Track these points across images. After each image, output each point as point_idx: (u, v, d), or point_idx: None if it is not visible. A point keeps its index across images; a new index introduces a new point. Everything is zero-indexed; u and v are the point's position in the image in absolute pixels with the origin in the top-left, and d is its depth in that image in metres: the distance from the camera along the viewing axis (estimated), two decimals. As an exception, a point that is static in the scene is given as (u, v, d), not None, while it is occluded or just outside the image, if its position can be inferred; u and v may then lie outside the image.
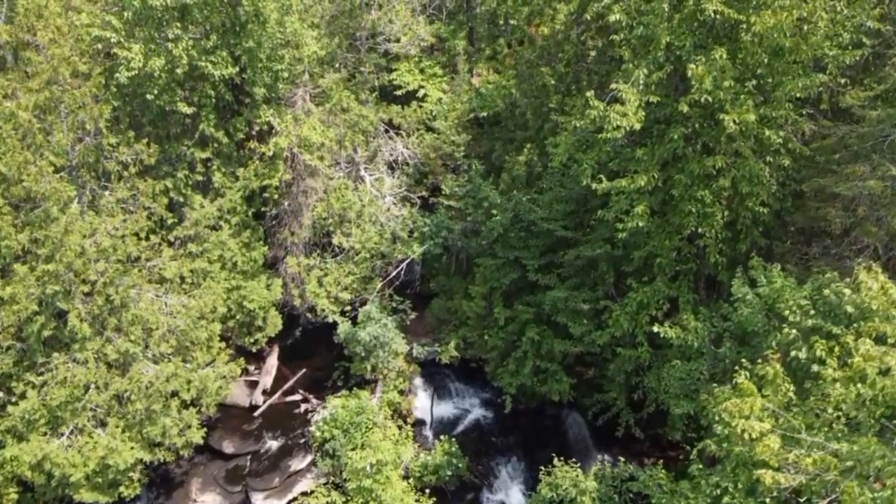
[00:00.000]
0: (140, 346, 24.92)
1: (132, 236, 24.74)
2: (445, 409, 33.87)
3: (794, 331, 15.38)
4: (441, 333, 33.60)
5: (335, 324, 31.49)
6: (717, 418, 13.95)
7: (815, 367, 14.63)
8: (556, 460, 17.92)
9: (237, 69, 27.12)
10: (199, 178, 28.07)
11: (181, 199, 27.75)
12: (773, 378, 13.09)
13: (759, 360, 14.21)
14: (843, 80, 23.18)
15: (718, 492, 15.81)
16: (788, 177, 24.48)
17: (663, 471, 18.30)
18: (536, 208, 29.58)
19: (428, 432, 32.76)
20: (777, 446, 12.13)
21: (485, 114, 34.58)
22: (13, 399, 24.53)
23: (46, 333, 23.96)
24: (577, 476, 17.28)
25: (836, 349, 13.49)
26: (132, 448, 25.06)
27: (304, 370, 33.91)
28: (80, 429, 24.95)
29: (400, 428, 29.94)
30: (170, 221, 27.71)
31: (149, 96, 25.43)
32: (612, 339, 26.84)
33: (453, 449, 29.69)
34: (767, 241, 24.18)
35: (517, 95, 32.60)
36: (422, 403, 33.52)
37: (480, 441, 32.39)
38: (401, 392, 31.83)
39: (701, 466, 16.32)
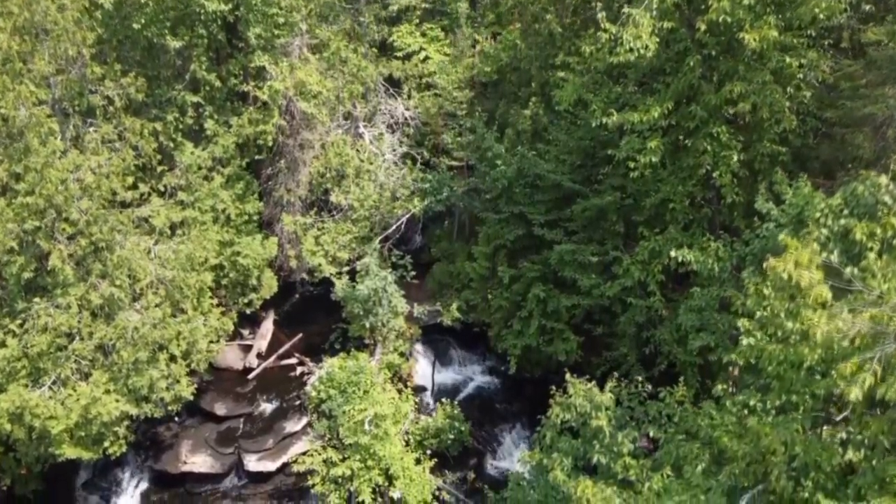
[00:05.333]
0: (126, 292, 23.65)
1: (118, 175, 23.49)
2: (447, 376, 32.63)
3: (824, 230, 14.14)
4: (443, 297, 32.31)
5: (333, 289, 30.26)
6: (746, 310, 12.70)
7: (848, 270, 13.35)
8: (568, 376, 16.61)
9: (230, 6, 25.95)
10: (190, 121, 26.86)
11: (171, 145, 26.55)
12: (810, 262, 11.80)
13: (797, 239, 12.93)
14: (867, 7, 22.10)
15: (746, 412, 14.53)
16: (809, 112, 23.35)
17: (684, 388, 17.04)
18: (542, 161, 28.41)
19: (429, 399, 31.51)
20: (829, 296, 10.90)
21: (488, 69, 33.43)
22: (-8, 348, 23.27)
23: (27, 276, 22.68)
24: (591, 389, 16.00)
25: (879, 232, 12.23)
26: (117, 400, 23.74)
27: (300, 335, 32.65)
28: (62, 380, 23.65)
29: (400, 392, 28.64)
30: (159, 169, 26.52)
31: (135, 25, 24.24)
32: (623, 290, 25.63)
33: (455, 412, 28.40)
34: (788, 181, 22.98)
35: (522, 47, 31.43)
36: (423, 370, 32.26)
37: (483, 408, 31.14)
38: (401, 354, 30.51)
39: (725, 386, 15.07)
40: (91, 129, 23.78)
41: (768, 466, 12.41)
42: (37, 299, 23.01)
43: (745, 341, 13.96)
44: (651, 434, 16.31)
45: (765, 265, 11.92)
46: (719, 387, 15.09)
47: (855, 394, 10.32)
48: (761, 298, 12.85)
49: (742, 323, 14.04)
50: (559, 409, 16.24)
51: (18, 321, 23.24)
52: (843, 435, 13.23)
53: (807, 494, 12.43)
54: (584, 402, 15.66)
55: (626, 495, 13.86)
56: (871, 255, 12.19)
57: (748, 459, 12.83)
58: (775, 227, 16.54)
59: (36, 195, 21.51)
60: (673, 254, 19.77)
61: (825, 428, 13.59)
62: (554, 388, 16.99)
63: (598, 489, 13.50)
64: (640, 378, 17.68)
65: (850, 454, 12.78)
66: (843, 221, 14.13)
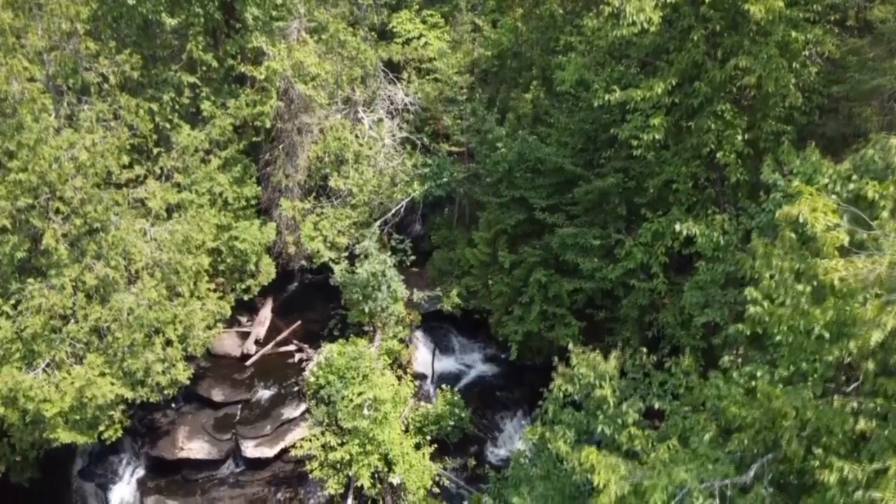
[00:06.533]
0: (121, 273, 23.26)
1: (113, 154, 23.09)
2: (447, 364, 32.27)
3: (833, 197, 13.75)
4: (443, 284, 31.96)
5: (332, 275, 29.89)
6: (755, 273, 12.32)
7: (858, 236, 12.96)
8: (571, 345, 16.21)
9: (226, -16, 25.70)
10: (186, 101, 26.48)
11: (167, 126, 26.18)
12: (825, 207, 11.40)
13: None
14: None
15: (754, 383, 14.15)
16: (814, 90, 22.98)
17: (691, 358, 16.65)
18: (543, 145, 28.06)
19: (429, 386, 31.16)
20: (846, 240, 10.52)
21: (489, 53, 33.10)
22: (-15, 330, 22.84)
23: (20, 256, 22.27)
24: (595, 358, 15.61)
25: (892, 190, 11.85)
26: (112, 384, 23.33)
27: (298, 322, 32.31)
28: (56, 363, 23.24)
29: (399, 378, 28.27)
30: (155, 151, 26.14)
31: (130, 1, 23.84)
32: (625, 273, 25.26)
33: (456, 399, 28.01)
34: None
35: (523, 31, 31.09)
36: (423, 357, 31.92)
37: (484, 396, 30.81)
38: (401, 341, 30.15)
39: (731, 357, 14.69)
40: (85, 107, 23.39)
41: (779, 432, 12.04)
42: (31, 280, 22.62)
43: (752, 309, 13.55)
44: (657, 406, 15.94)
45: (778, 213, 11.53)
46: (726, 358, 14.70)
47: (876, 338, 9.93)
48: (769, 265, 12.46)
49: (749, 291, 13.64)
50: (562, 380, 15.87)
51: (12, 302, 22.83)
52: (854, 405, 12.86)
53: (817, 462, 12.05)
54: (588, 371, 15.30)
55: (632, 465, 13.50)
56: (885, 214, 11.82)
57: (758, 427, 12.46)
58: (782, 197, 16.15)
59: (29, 172, 21.08)
60: (678, 227, 19.35)
61: (835, 398, 13.20)
62: (556, 358, 16.58)
63: (602, 456, 13.16)
64: (644, 350, 17.26)
65: (862, 423, 12.40)
66: (851, 186, 13.75)
